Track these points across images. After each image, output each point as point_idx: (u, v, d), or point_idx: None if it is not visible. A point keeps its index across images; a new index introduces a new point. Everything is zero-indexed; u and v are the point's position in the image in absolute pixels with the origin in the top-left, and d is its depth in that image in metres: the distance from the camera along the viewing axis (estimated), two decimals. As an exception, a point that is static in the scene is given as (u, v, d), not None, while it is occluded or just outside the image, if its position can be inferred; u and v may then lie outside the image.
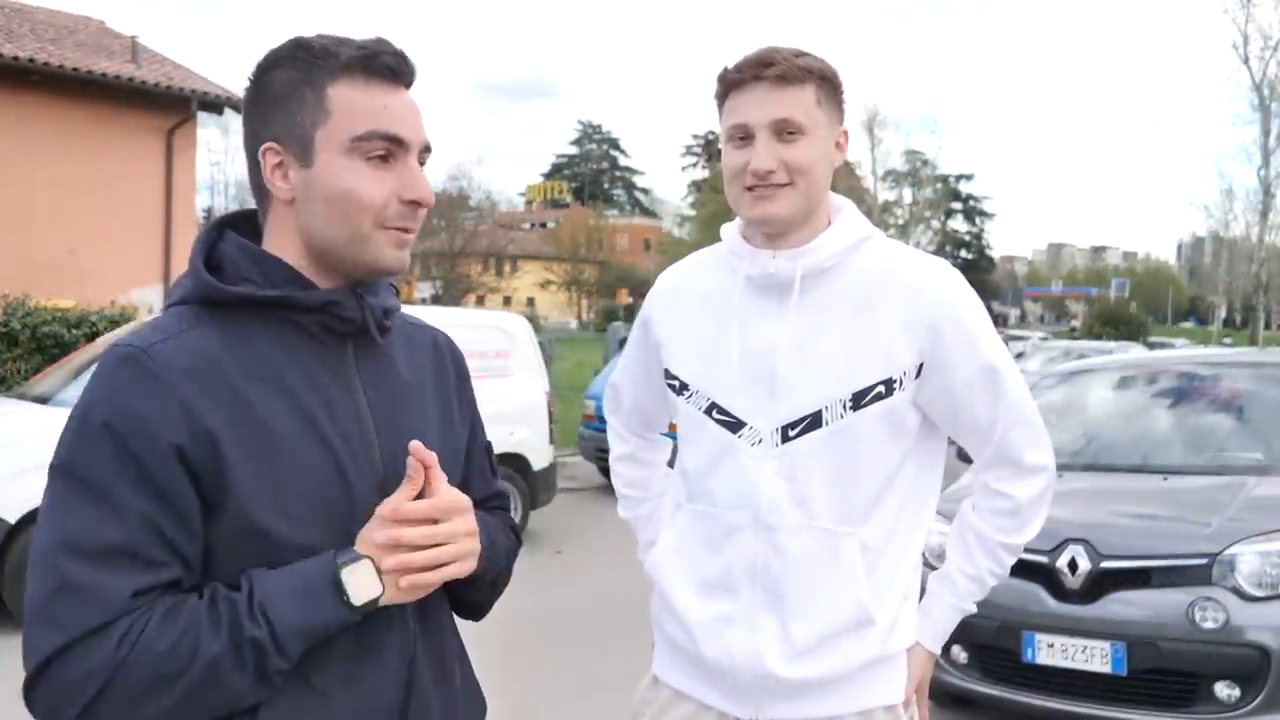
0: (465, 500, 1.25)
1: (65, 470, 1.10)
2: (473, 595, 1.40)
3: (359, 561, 1.15)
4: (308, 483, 1.17)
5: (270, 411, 1.16)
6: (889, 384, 1.65)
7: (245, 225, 1.30)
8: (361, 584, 1.14)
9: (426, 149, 1.27)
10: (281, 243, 1.25)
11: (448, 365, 1.45)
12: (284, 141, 1.21)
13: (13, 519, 5.49)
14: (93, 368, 5.38)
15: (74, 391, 6.28)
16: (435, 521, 1.21)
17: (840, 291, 1.69)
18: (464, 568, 1.24)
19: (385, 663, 1.24)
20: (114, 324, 10.46)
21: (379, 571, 1.15)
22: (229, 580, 1.13)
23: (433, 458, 1.22)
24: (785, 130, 1.63)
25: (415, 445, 1.21)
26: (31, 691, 1.08)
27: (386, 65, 1.22)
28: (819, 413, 1.66)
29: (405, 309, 1.43)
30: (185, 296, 1.22)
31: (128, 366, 1.12)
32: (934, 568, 1.82)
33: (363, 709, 1.21)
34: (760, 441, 1.69)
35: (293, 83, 1.21)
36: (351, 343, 1.27)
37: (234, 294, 1.19)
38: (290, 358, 1.21)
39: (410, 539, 1.17)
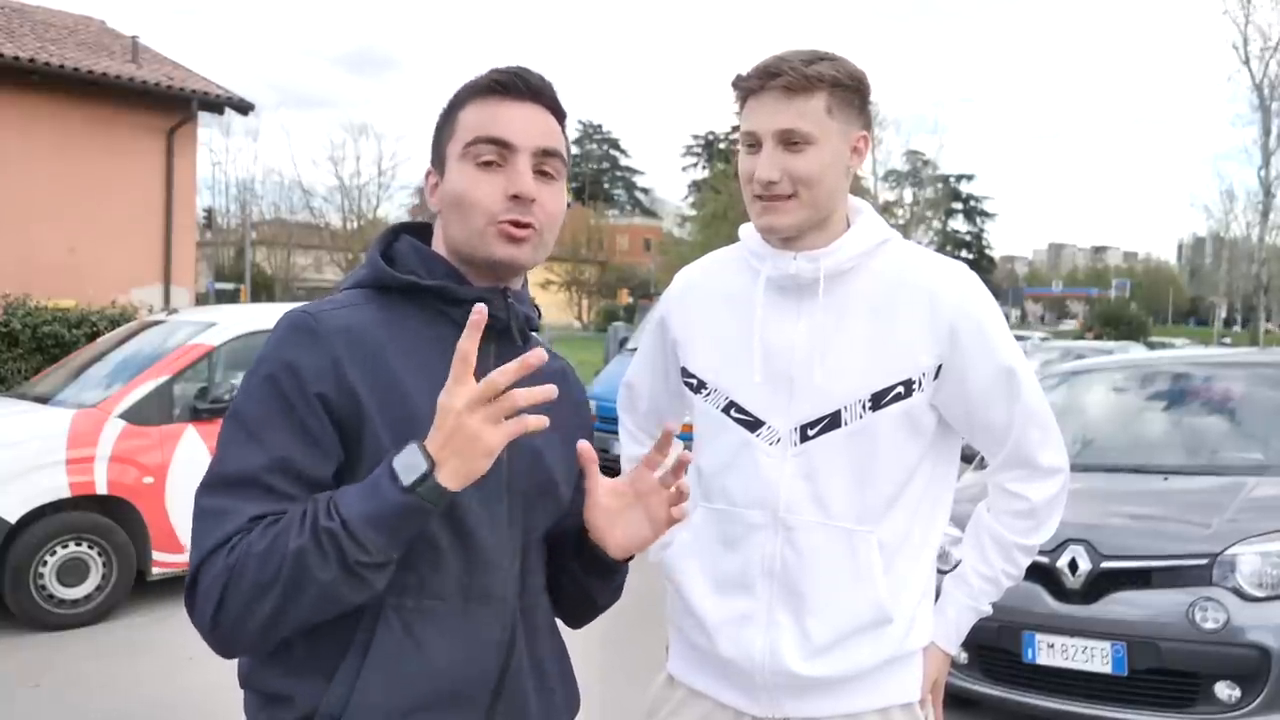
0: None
1: (232, 412, 1.27)
2: (604, 596, 1.51)
3: (410, 447, 1.20)
4: None
5: (411, 386, 1.28)
6: (908, 385, 1.67)
7: (418, 234, 1.46)
8: (407, 464, 1.19)
9: (548, 153, 1.37)
10: (442, 247, 1.41)
11: (572, 394, 1.53)
12: (434, 163, 1.41)
13: (13, 519, 5.48)
14: (92, 368, 5.38)
15: (74, 391, 6.30)
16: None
17: (860, 293, 1.70)
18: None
19: (486, 630, 1.32)
20: (114, 324, 10.46)
21: (426, 453, 1.18)
22: None
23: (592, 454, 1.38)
24: (790, 140, 1.64)
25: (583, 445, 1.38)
26: (188, 601, 1.23)
27: (500, 82, 1.36)
28: (838, 413, 1.67)
29: None
30: (360, 281, 1.38)
31: (296, 327, 1.28)
32: (941, 570, 1.83)
33: (460, 667, 1.29)
34: (778, 441, 1.70)
35: (444, 115, 1.40)
36: (494, 343, 1.36)
37: (401, 279, 1.35)
38: (438, 344, 1.30)
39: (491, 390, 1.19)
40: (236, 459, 1.23)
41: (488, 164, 1.34)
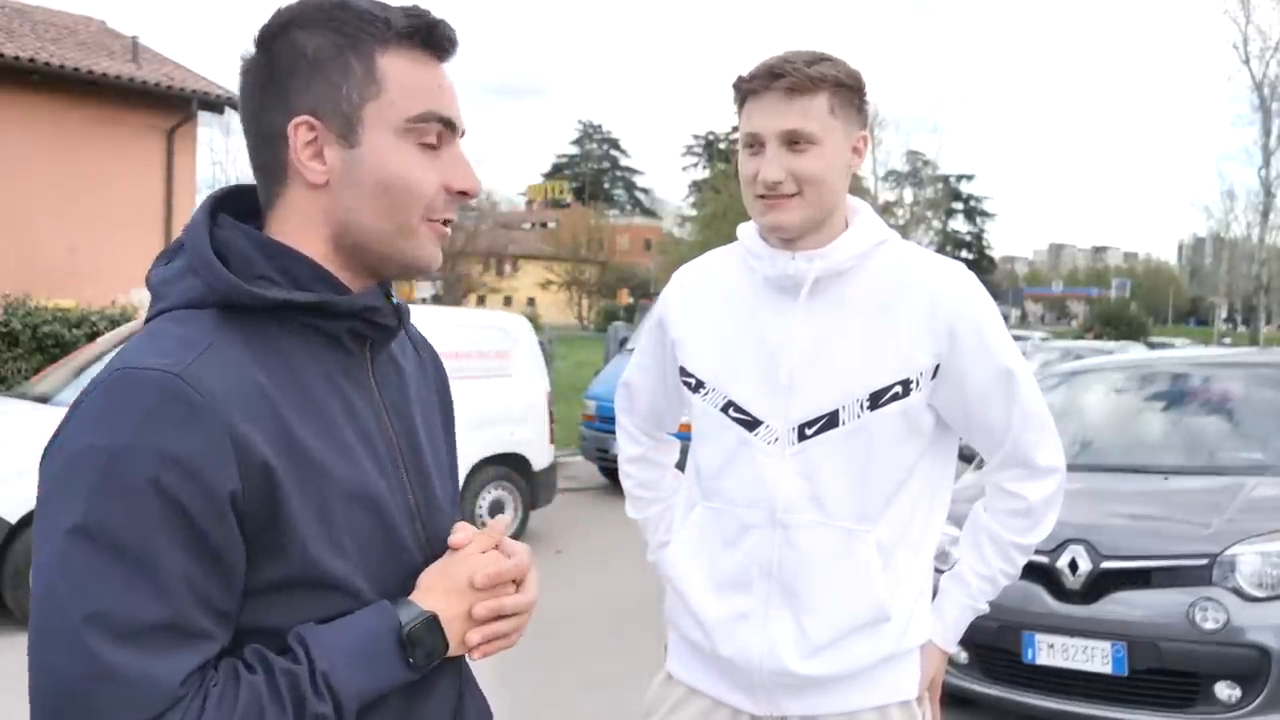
0: (529, 564, 1.18)
1: (91, 532, 0.90)
2: None
3: (424, 619, 1.05)
4: (346, 510, 1.04)
5: (306, 432, 1.01)
6: (906, 385, 1.67)
7: (236, 207, 1.11)
8: (431, 644, 1.05)
9: (463, 134, 1.13)
10: (299, 233, 1.07)
11: (431, 375, 1.31)
12: (323, 115, 1.04)
13: (13, 519, 5.49)
14: (92, 368, 5.27)
15: (74, 391, 6.28)
16: (517, 586, 1.15)
17: (858, 293, 1.71)
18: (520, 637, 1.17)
19: (438, 698, 1.15)
20: (114, 324, 10.46)
21: (442, 629, 1.06)
22: (263, 625, 0.99)
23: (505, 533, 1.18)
24: (794, 141, 1.64)
25: (496, 522, 1.19)
26: None
27: (446, 38, 1.08)
28: (836, 412, 1.68)
29: None
30: (191, 299, 1.02)
31: (164, 399, 0.92)
32: (939, 570, 1.83)
33: None
34: (776, 440, 1.71)
35: (334, 47, 1.04)
36: (370, 351, 1.13)
37: (268, 299, 1.01)
38: (316, 368, 1.06)
39: (509, 609, 1.12)
40: (134, 600, 0.90)
41: (429, 146, 1.07)
